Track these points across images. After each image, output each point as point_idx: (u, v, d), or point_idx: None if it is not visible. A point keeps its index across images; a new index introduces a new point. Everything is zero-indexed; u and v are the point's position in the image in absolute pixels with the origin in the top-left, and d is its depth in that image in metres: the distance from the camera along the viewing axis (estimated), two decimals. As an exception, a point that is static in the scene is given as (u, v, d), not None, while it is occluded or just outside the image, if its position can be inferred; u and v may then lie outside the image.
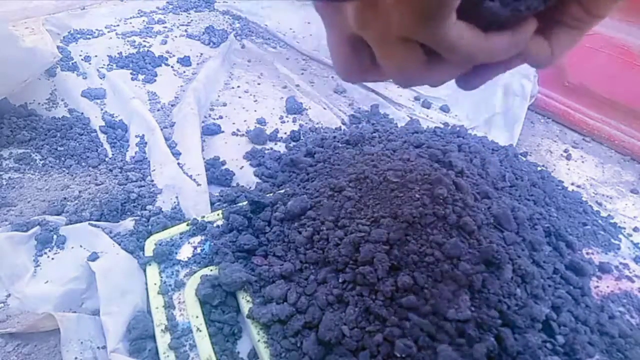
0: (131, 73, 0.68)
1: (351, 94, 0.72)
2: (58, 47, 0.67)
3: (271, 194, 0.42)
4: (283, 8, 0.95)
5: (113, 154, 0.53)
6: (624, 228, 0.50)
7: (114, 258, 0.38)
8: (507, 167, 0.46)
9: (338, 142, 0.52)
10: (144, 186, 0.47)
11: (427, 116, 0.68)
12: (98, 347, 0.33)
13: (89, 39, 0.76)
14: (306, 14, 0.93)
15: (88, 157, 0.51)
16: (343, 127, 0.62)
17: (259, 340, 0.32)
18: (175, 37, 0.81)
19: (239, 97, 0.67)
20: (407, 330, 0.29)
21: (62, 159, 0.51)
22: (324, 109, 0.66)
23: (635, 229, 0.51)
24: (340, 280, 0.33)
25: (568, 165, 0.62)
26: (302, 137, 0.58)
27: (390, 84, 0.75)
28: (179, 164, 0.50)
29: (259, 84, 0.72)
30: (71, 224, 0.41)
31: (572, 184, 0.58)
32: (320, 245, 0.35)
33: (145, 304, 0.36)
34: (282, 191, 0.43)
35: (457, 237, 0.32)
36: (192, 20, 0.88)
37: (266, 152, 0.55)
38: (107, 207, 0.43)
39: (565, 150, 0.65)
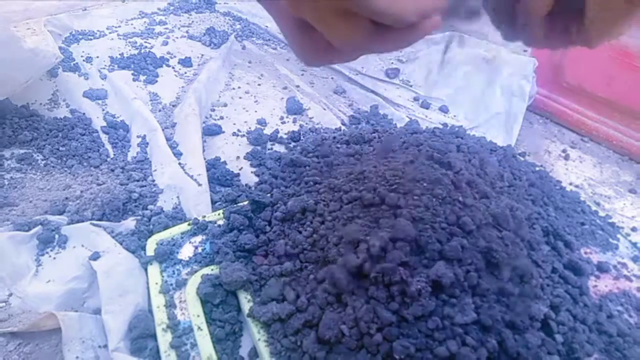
0: (132, 74, 0.68)
1: (351, 94, 0.72)
2: (60, 48, 0.67)
3: (271, 194, 0.42)
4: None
5: (114, 154, 0.53)
6: (622, 228, 0.50)
7: (116, 257, 0.38)
8: (505, 167, 0.46)
9: (338, 142, 0.52)
10: (145, 186, 0.48)
11: (426, 117, 0.68)
12: (99, 346, 0.33)
13: (91, 39, 0.76)
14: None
15: (90, 157, 0.52)
16: (343, 127, 0.63)
17: (259, 339, 0.32)
18: (177, 38, 0.81)
19: (240, 98, 0.68)
20: (406, 331, 0.29)
21: (64, 159, 0.51)
22: (324, 109, 0.67)
23: (633, 229, 0.51)
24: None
25: (566, 165, 0.62)
26: (302, 138, 0.58)
27: (390, 84, 0.75)
28: (180, 164, 0.51)
29: (259, 84, 0.72)
30: (73, 223, 0.42)
31: (571, 183, 0.58)
32: (320, 244, 0.35)
33: (147, 303, 0.36)
34: (282, 191, 0.43)
35: (456, 237, 0.32)
36: (193, 21, 0.88)
37: (266, 152, 0.56)
38: (109, 206, 0.44)
39: (564, 151, 0.65)
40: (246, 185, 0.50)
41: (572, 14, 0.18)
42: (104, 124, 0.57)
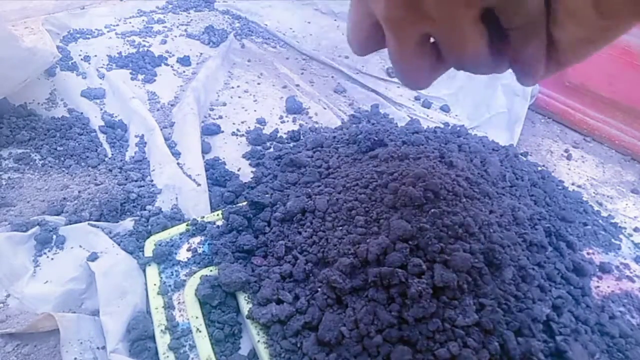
0: (131, 73, 0.68)
1: (351, 93, 0.72)
2: (57, 46, 0.67)
3: (270, 194, 0.42)
4: (283, 8, 0.95)
5: (112, 154, 0.53)
6: (625, 228, 0.49)
7: (114, 258, 0.38)
8: (507, 167, 0.46)
9: (338, 142, 0.52)
10: (143, 186, 0.47)
11: (428, 116, 0.68)
12: (98, 348, 0.33)
13: (89, 38, 0.76)
14: (306, 13, 0.93)
15: (87, 157, 0.51)
16: (343, 127, 0.62)
17: (258, 341, 0.32)
18: (175, 36, 0.81)
19: (239, 97, 0.67)
20: (406, 332, 0.29)
21: (62, 158, 0.51)
22: (324, 108, 0.66)
23: (635, 229, 0.51)
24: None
25: (568, 165, 0.62)
26: (302, 137, 0.58)
27: (391, 83, 0.74)
28: (178, 164, 0.50)
29: (258, 83, 0.71)
30: (71, 224, 0.41)
31: (573, 183, 0.58)
32: (320, 245, 0.35)
33: (145, 304, 0.36)
34: (282, 191, 0.43)
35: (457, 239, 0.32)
36: (191, 19, 0.88)
37: (266, 152, 0.55)
38: (107, 207, 0.43)
39: (566, 150, 0.64)
40: (245, 185, 0.50)
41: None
42: (102, 123, 0.57)
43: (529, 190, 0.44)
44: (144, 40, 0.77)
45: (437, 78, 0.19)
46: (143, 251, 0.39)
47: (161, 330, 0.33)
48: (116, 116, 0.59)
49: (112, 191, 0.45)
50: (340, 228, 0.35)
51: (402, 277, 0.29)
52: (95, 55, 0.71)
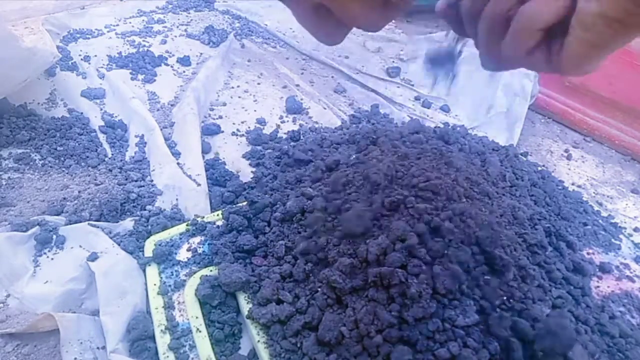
0: (131, 73, 0.68)
1: (351, 93, 0.72)
2: (57, 46, 0.67)
3: (270, 194, 0.42)
4: (283, 7, 0.94)
5: (112, 154, 0.53)
6: (625, 228, 0.49)
7: (114, 258, 0.38)
8: (507, 167, 0.46)
9: (338, 142, 0.52)
10: (143, 186, 0.47)
11: (427, 116, 0.68)
12: (98, 348, 0.33)
13: (89, 38, 0.76)
14: (306, 13, 0.93)
15: (87, 157, 0.51)
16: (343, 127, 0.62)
17: (258, 341, 0.32)
18: (175, 36, 0.81)
19: (239, 97, 0.67)
20: (406, 332, 0.29)
21: (62, 158, 0.51)
22: (324, 108, 0.66)
23: (635, 229, 0.51)
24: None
25: (568, 165, 0.62)
26: (302, 137, 0.58)
27: (391, 83, 0.74)
28: (178, 164, 0.50)
29: (258, 83, 0.71)
30: (71, 224, 0.41)
31: (573, 183, 0.58)
32: (320, 245, 0.35)
33: (145, 304, 0.36)
34: (282, 191, 0.43)
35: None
36: (191, 19, 0.88)
37: (266, 152, 0.55)
38: (107, 207, 0.43)
39: (566, 150, 0.65)
40: (245, 185, 0.50)
41: (558, 33, 0.17)
42: (102, 123, 0.57)
43: (529, 190, 0.44)
44: (144, 40, 0.77)
45: (346, 34, 0.21)
46: (143, 251, 0.39)
47: (161, 330, 0.33)
48: (116, 116, 0.59)
49: (112, 191, 0.45)
50: (340, 228, 0.35)
51: (402, 277, 0.29)
52: (95, 55, 0.71)
